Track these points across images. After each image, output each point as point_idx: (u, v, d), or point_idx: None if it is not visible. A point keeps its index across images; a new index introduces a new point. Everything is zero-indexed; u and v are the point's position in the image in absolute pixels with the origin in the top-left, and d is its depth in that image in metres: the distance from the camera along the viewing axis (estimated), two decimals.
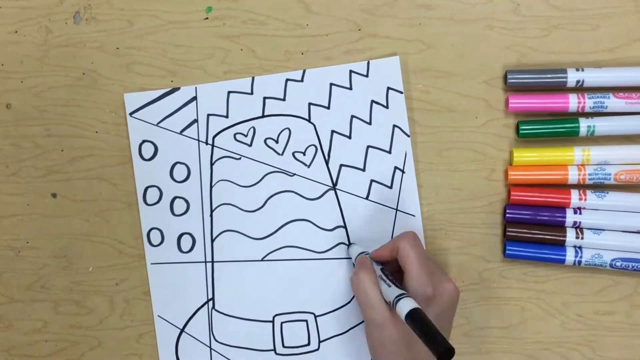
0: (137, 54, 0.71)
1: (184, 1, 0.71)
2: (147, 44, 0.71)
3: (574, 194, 0.68)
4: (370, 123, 0.70)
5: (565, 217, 0.68)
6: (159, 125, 0.71)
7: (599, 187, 0.69)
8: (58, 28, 0.72)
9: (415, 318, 0.56)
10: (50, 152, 0.72)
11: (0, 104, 0.72)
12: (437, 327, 0.55)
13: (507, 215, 0.69)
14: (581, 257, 0.68)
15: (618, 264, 0.68)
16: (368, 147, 0.70)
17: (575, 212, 0.68)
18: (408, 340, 0.61)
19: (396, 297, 0.59)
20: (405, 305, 0.58)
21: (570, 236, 0.68)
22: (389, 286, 0.62)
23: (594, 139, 0.70)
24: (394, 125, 0.70)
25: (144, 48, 0.71)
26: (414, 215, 0.70)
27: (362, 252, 0.66)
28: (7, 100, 0.72)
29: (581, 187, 0.69)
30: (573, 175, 0.68)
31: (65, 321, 0.72)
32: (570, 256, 0.68)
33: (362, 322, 0.70)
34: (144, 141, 0.71)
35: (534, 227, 0.69)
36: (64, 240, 0.72)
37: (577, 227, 0.69)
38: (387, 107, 0.70)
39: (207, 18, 0.71)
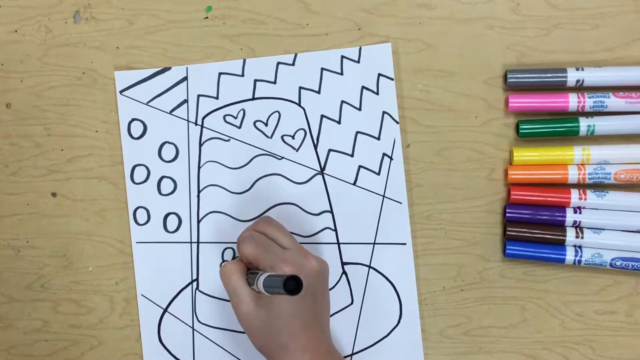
0: (137, 53, 0.71)
1: (183, 1, 0.71)
2: (147, 44, 0.71)
3: (574, 194, 0.68)
4: (360, 109, 0.71)
5: (565, 217, 0.68)
6: (149, 104, 0.71)
7: (599, 186, 0.69)
8: (58, 27, 0.72)
9: (268, 281, 0.58)
10: (50, 151, 0.72)
11: (0, 104, 0.72)
12: (309, 299, 0.58)
13: (507, 214, 0.69)
14: (581, 256, 0.68)
15: (618, 263, 0.68)
16: (357, 132, 0.71)
17: (575, 212, 0.68)
18: (272, 321, 0.62)
19: (257, 278, 0.60)
20: (262, 278, 0.59)
21: (570, 235, 0.68)
22: (253, 274, 0.62)
23: (593, 138, 0.70)
24: (384, 112, 0.70)
25: (143, 48, 0.71)
26: (400, 203, 0.70)
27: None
28: (7, 100, 0.72)
29: (581, 186, 0.69)
30: (573, 175, 0.68)
31: (65, 321, 0.72)
32: (570, 255, 0.68)
33: (347, 306, 0.70)
34: (133, 119, 0.71)
35: (534, 226, 0.69)
36: (63, 239, 0.72)
37: (577, 226, 0.69)
38: (377, 93, 0.70)
39: (207, 17, 0.71)
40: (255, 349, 0.64)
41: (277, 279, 0.57)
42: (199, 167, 0.71)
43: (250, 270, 0.64)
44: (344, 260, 0.70)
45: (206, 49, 0.71)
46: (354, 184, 0.71)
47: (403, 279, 0.70)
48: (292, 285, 0.54)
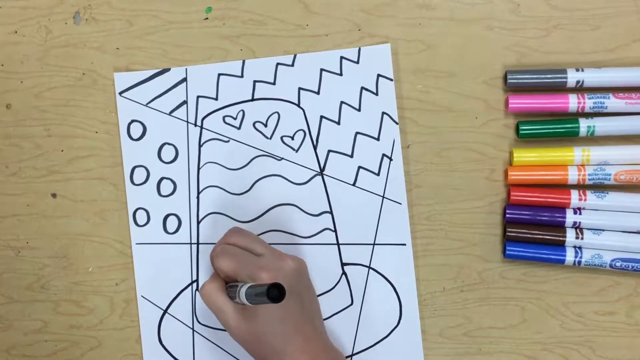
0: (137, 54, 0.71)
1: (184, 1, 0.71)
2: (147, 44, 0.72)
3: (574, 194, 0.68)
4: (359, 109, 0.71)
5: (565, 218, 0.68)
6: (148, 105, 0.71)
7: (599, 187, 0.69)
8: (58, 28, 0.72)
9: (249, 292, 0.58)
10: (50, 152, 0.72)
11: (0, 104, 0.72)
12: (295, 300, 0.58)
13: (507, 215, 0.69)
14: (581, 257, 0.68)
15: (618, 264, 0.68)
16: (357, 133, 0.71)
17: (575, 213, 0.68)
18: (262, 330, 0.62)
19: (237, 291, 0.60)
20: (243, 290, 0.59)
21: (570, 236, 0.68)
22: (233, 288, 0.62)
23: (593, 139, 0.70)
24: (383, 113, 0.70)
25: (143, 48, 0.71)
26: (400, 203, 0.70)
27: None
28: (7, 101, 0.72)
29: (581, 187, 0.69)
30: (573, 176, 0.68)
31: (65, 321, 0.72)
32: (570, 256, 0.68)
33: (347, 307, 0.70)
34: (132, 121, 0.71)
35: (534, 227, 0.69)
36: (63, 240, 0.72)
37: (577, 227, 0.69)
38: (376, 94, 0.70)
39: (207, 18, 0.71)
40: None
41: (258, 289, 0.57)
42: (199, 168, 0.71)
43: (229, 284, 0.64)
44: (343, 261, 0.70)
45: (206, 49, 0.71)
46: (354, 184, 0.71)
47: (403, 280, 0.70)
48: (275, 293, 0.54)
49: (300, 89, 0.71)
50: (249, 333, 0.63)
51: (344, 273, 0.70)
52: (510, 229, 0.69)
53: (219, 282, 0.65)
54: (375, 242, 0.70)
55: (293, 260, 0.64)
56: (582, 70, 0.68)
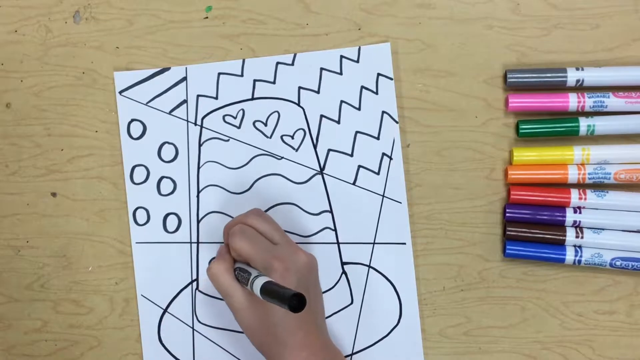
0: (137, 53, 0.71)
1: (183, 1, 0.71)
2: (147, 44, 0.72)
3: (574, 193, 0.68)
4: (359, 109, 0.71)
5: (565, 217, 0.68)
6: (149, 104, 0.71)
7: (599, 186, 0.69)
8: (58, 27, 0.72)
9: (267, 290, 0.58)
10: (50, 151, 0.72)
11: (0, 104, 0.72)
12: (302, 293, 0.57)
13: (507, 214, 0.69)
14: (581, 256, 0.68)
15: (618, 263, 0.68)
16: (356, 132, 0.71)
17: (575, 212, 0.68)
18: (267, 319, 0.62)
19: (251, 280, 0.60)
20: (258, 283, 0.59)
21: (570, 235, 0.68)
22: (245, 273, 0.62)
23: (593, 138, 0.70)
24: (383, 112, 0.70)
25: (143, 47, 0.72)
26: (400, 202, 0.70)
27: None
28: (7, 100, 0.72)
29: (581, 186, 0.69)
30: (573, 175, 0.68)
31: (65, 321, 0.72)
32: (570, 255, 0.68)
33: (347, 306, 0.70)
34: (132, 120, 0.71)
35: (533, 226, 0.69)
36: (63, 239, 0.72)
37: (577, 226, 0.69)
38: (376, 93, 0.70)
39: (207, 17, 0.71)
40: (255, 348, 0.64)
41: (278, 290, 0.56)
42: (199, 167, 0.71)
43: (239, 266, 0.64)
44: (343, 260, 0.70)
45: (206, 49, 0.71)
46: (354, 183, 0.71)
47: (403, 279, 0.70)
48: (295, 302, 0.54)
49: (300, 88, 0.71)
50: (253, 319, 0.63)
51: (344, 272, 0.70)
52: (510, 228, 0.69)
53: (228, 262, 0.65)
54: (375, 241, 0.70)
55: (306, 255, 0.65)
56: (582, 70, 0.69)
